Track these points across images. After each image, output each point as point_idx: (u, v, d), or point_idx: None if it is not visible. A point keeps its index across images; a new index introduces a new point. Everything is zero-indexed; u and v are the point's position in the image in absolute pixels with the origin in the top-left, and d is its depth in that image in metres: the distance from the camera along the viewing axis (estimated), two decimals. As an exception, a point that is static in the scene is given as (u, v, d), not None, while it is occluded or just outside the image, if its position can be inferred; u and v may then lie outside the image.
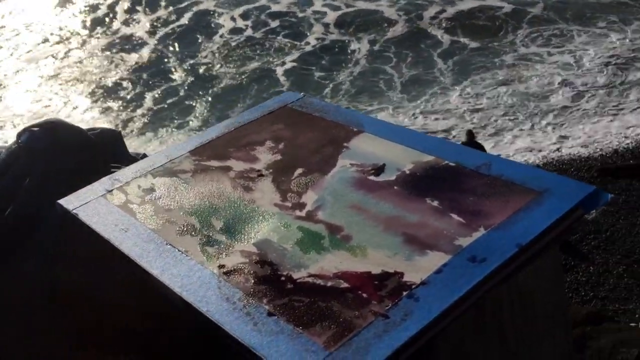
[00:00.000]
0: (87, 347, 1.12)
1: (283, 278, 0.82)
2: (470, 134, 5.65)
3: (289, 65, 8.80)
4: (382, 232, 0.85)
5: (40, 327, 1.11)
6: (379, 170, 0.97)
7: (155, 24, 10.23)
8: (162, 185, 1.05)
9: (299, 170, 1.01)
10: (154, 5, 10.68)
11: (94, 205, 1.03)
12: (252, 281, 0.82)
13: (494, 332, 0.79)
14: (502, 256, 0.77)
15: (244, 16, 10.31)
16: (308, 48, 9.26)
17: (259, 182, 1.01)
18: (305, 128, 1.12)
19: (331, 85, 8.20)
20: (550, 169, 5.52)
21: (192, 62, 9.07)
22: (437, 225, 0.84)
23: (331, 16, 10.04)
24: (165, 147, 1.18)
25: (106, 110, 8.07)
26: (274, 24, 10.01)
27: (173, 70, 8.94)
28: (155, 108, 7.97)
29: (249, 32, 9.92)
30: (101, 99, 8.42)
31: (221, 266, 0.86)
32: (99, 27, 10.42)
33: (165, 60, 9.19)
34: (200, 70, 8.91)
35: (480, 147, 5.65)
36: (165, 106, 8.03)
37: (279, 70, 8.68)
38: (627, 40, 8.53)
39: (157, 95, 8.31)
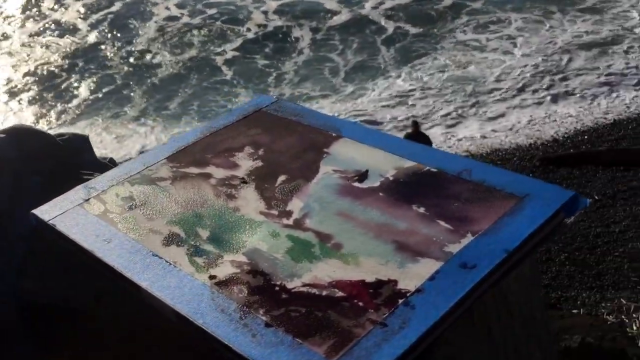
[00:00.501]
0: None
1: (277, 288, 0.84)
2: (416, 125, 5.77)
3: (230, 54, 8.75)
4: (372, 240, 0.88)
5: (14, 342, 1.10)
6: (362, 176, 1.00)
7: (85, 10, 9.96)
8: (141, 193, 1.05)
9: (282, 177, 1.03)
10: (81, -10, 10.43)
11: (72, 215, 1.02)
12: (246, 292, 0.84)
13: (483, 334, 0.83)
14: (492, 262, 0.81)
15: (180, 5, 10.16)
16: (249, 36, 9.22)
17: (242, 190, 1.02)
18: (283, 133, 1.14)
19: (275, 74, 8.20)
20: (494, 158, 5.69)
21: (127, 49, 8.89)
22: (426, 232, 0.88)
23: (271, 5, 10.01)
24: (142, 153, 1.18)
25: (38, 100, 7.83)
26: (211, 11, 9.91)
27: (108, 57, 8.75)
28: (91, 97, 7.79)
29: (185, 19, 9.80)
30: (33, 88, 8.16)
31: (212, 277, 0.87)
32: (27, 12, 10.08)
33: (100, 47, 8.97)
34: (137, 58, 8.75)
35: (426, 138, 5.78)
36: (101, 95, 7.86)
37: (220, 59, 8.62)
38: (565, 29, 8.82)
39: (92, 84, 8.12)
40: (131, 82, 8.07)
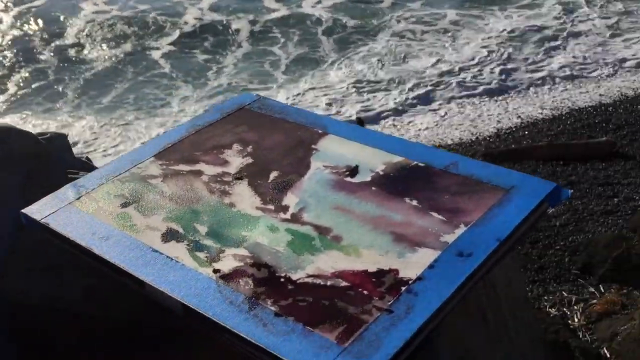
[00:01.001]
0: None
1: (282, 280, 0.89)
2: (360, 122, 5.88)
3: (166, 48, 8.66)
4: (371, 232, 0.95)
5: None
6: (353, 171, 1.07)
7: (6, 1, 9.68)
8: (133, 191, 1.08)
9: (275, 174, 1.08)
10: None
11: (64, 213, 1.04)
12: (252, 284, 0.89)
13: (479, 318, 0.91)
14: (486, 250, 0.88)
15: (109, 2, 10.00)
16: (186, 29, 9.14)
17: (236, 186, 1.07)
18: (270, 130, 1.19)
19: (215, 67, 8.17)
20: (439, 153, 5.82)
21: (58, 43, 8.69)
22: (421, 223, 0.95)
23: (206, 2, 9.99)
24: (128, 151, 1.21)
25: (-38, 97, 7.58)
26: (143, 7, 9.81)
27: (37, 51, 8.53)
28: (20, 93, 7.58)
29: (115, 13, 9.65)
30: (-45, 84, 7.89)
31: (216, 270, 0.92)
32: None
33: (28, 41, 8.74)
34: (68, 52, 8.56)
35: (372, 133, 5.87)
36: (30, 91, 7.66)
37: (156, 53, 8.53)
38: (503, 24, 9.11)
39: (21, 80, 7.90)
40: (64, 77, 7.89)
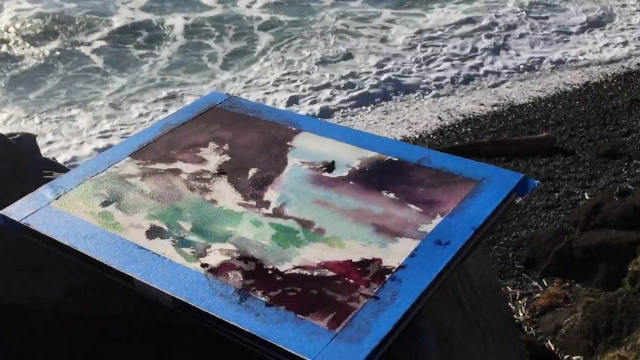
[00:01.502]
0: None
1: (270, 271, 0.95)
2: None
3: (97, 44, 8.57)
4: (352, 224, 1.02)
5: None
6: (330, 167, 1.14)
7: None
8: (112, 190, 1.12)
9: (253, 170, 1.14)
10: None
11: (44, 214, 1.08)
12: (241, 277, 0.95)
13: (455, 304, 0.99)
14: (463, 238, 0.97)
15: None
16: (118, 25, 9.06)
17: (216, 183, 1.12)
18: (244, 128, 1.25)
19: (150, 61, 8.14)
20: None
21: (-21, 41, 8.47)
22: (399, 215, 1.02)
23: (138, 1, 9.92)
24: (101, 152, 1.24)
25: None
26: (70, 5, 9.66)
27: (-43, 49, 8.30)
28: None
29: (39, 9, 9.47)
30: None
31: (204, 265, 0.97)
32: None
33: (-54, 38, 8.49)
34: (-8, 50, 8.37)
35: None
36: (-49, 90, 7.45)
37: (87, 49, 8.43)
38: (439, 19, 9.34)
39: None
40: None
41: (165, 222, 1.05)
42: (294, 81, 7.60)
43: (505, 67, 7.87)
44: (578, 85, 7.28)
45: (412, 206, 1.04)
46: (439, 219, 1.01)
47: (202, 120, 1.28)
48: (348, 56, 8.39)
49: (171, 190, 1.11)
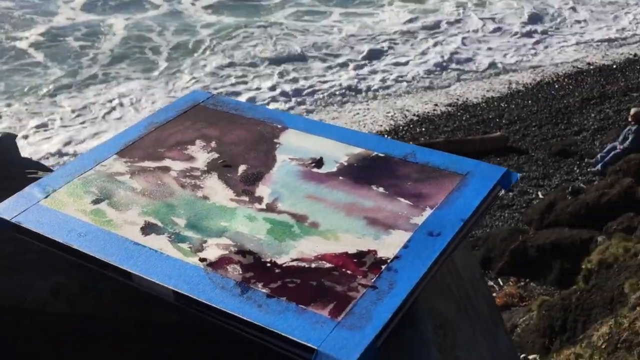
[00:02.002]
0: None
1: (269, 264, 1.00)
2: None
3: (34, 39, 8.47)
4: (345, 218, 1.07)
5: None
6: (318, 163, 1.19)
7: None
8: (103, 188, 1.15)
9: (243, 167, 1.19)
10: None
11: (35, 212, 1.10)
12: (240, 270, 0.99)
13: (446, 292, 1.06)
14: (453, 229, 1.03)
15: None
16: (57, 21, 8.95)
17: (206, 180, 1.16)
18: (230, 126, 1.29)
19: (91, 54, 8.10)
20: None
21: None
22: (390, 208, 1.08)
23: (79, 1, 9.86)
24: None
25: None
26: (6, 3, 9.52)
27: None
28: None
29: (-28, 10, 9.31)
30: None
31: (202, 259, 1.01)
32: None
33: None
34: None
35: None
36: None
37: (23, 43, 8.32)
38: (390, 19, 9.48)
39: None
40: None
41: (159, 219, 1.08)
42: (236, 75, 7.64)
43: (457, 67, 8.04)
44: (530, 85, 7.50)
45: (402, 199, 1.10)
46: (429, 212, 1.07)
47: (187, 118, 1.32)
48: (297, 56, 8.45)
49: (162, 187, 1.15)
